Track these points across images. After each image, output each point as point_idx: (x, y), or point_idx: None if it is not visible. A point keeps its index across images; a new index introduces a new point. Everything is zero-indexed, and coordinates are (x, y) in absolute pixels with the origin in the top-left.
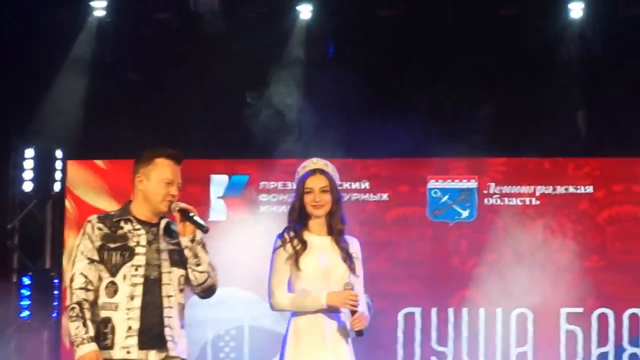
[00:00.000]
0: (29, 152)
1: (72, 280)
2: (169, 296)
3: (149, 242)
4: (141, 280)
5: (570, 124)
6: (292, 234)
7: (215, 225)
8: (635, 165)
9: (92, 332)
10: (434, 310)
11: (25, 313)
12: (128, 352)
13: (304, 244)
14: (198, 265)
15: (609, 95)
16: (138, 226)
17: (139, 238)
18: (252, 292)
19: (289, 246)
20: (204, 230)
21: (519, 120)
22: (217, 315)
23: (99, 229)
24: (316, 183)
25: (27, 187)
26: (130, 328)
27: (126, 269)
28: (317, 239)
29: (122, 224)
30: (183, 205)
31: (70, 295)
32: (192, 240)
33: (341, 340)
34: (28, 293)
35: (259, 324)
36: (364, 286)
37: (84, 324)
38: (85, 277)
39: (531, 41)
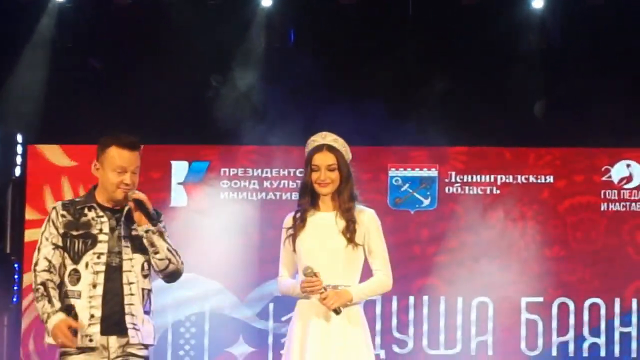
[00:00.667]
0: None
1: (36, 264)
2: (131, 283)
3: (112, 229)
4: (103, 268)
5: (531, 114)
6: (298, 214)
7: (176, 211)
8: (596, 155)
9: (58, 306)
10: (394, 299)
11: None
12: (90, 340)
13: (303, 222)
14: (156, 253)
15: (569, 85)
16: (101, 213)
17: (102, 225)
18: (212, 279)
19: (290, 229)
20: (153, 222)
21: (479, 109)
22: (177, 301)
23: (63, 216)
24: (323, 160)
25: None
26: (92, 316)
27: (88, 257)
28: (322, 216)
29: (86, 210)
30: (137, 195)
31: (34, 279)
32: (147, 231)
33: (348, 323)
34: None
35: (219, 310)
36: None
37: (49, 301)
38: (49, 261)
39: (492, 31)
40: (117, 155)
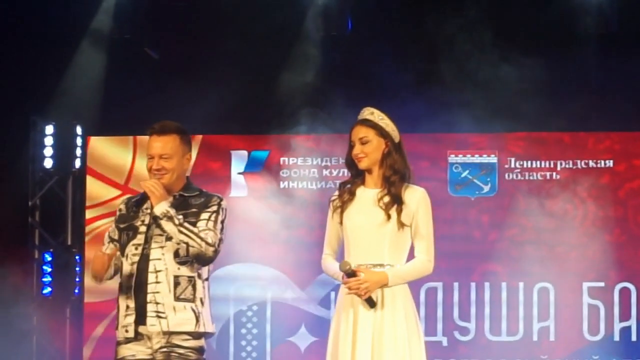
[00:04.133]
0: (49, 129)
1: None
2: (158, 271)
3: (156, 219)
4: (137, 258)
5: (590, 98)
6: (347, 186)
7: (236, 201)
8: None
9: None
10: (455, 285)
11: (47, 290)
12: (126, 331)
13: (351, 196)
14: (170, 239)
15: (626, 69)
16: (148, 205)
17: (145, 217)
18: (273, 268)
19: (337, 200)
20: (161, 210)
21: (538, 94)
22: (238, 291)
23: (119, 209)
24: (355, 134)
25: (48, 164)
26: (128, 307)
27: (128, 249)
28: (368, 192)
29: (140, 203)
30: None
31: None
32: (154, 218)
33: (394, 310)
34: (50, 270)
35: (281, 299)
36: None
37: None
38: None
39: (549, 15)
40: (150, 143)
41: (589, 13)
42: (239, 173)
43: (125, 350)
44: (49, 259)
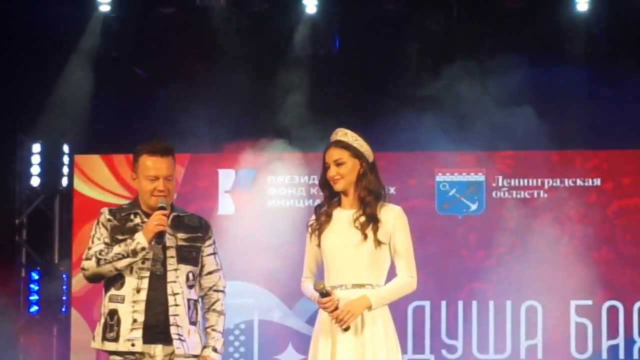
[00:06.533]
0: (36, 147)
1: (86, 257)
2: (175, 294)
3: (158, 236)
4: (147, 273)
5: (578, 116)
6: (323, 208)
7: (223, 219)
8: None
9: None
10: (443, 304)
11: (34, 308)
12: (133, 345)
13: (328, 218)
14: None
15: (615, 88)
16: (146, 219)
17: None
18: (261, 286)
19: (314, 223)
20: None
21: (525, 113)
22: (225, 309)
23: (109, 220)
24: (330, 156)
25: (35, 182)
26: (135, 321)
27: None
28: (344, 213)
29: (132, 217)
30: (160, 204)
31: (87, 261)
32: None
33: (373, 335)
34: (37, 288)
35: (268, 318)
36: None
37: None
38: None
39: (537, 34)
40: (148, 163)
41: (578, 33)
42: (227, 191)
43: None
44: (36, 277)
